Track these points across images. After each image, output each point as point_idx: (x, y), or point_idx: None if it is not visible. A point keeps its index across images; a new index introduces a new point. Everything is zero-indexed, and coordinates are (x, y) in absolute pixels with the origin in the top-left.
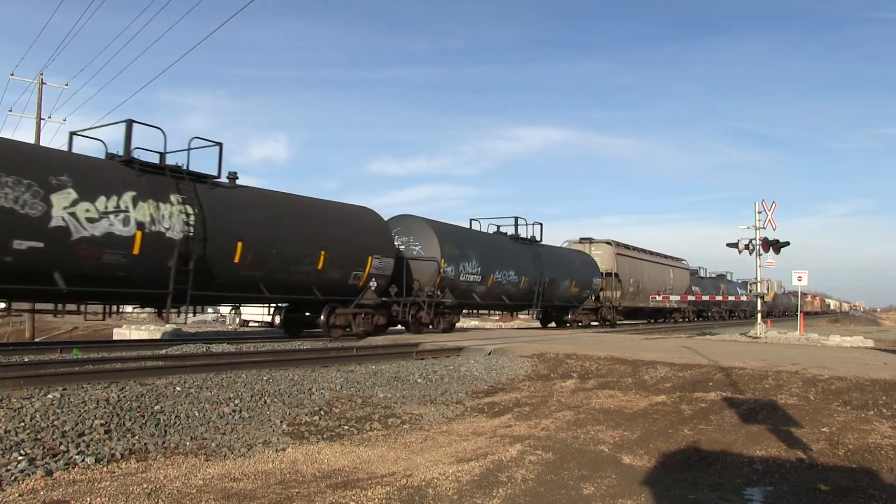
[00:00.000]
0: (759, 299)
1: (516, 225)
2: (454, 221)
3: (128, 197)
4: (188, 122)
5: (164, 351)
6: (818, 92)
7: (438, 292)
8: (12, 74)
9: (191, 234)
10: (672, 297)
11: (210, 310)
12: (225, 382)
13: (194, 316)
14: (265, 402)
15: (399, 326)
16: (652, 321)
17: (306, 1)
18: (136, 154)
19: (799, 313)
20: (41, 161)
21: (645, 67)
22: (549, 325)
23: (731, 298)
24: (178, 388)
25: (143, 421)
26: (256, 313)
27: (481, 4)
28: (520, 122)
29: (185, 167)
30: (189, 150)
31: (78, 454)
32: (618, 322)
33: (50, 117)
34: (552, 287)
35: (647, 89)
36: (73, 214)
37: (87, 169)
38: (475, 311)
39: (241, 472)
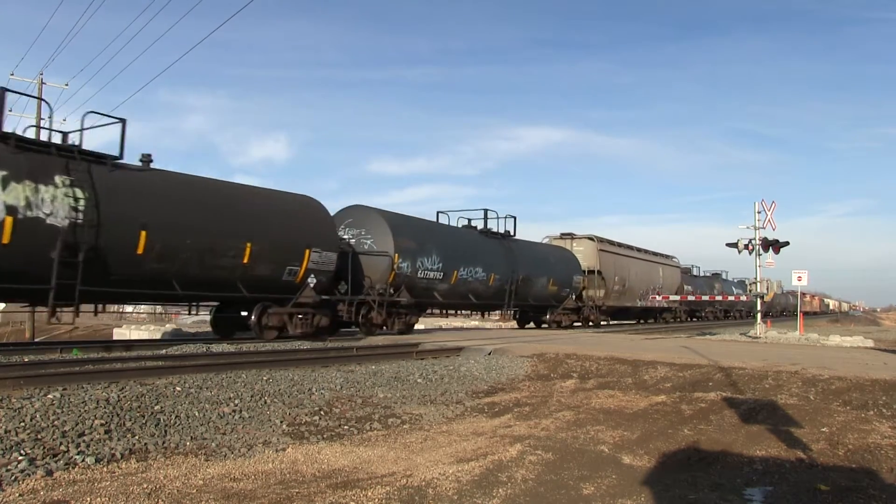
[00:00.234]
0: (758, 299)
1: (485, 218)
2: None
3: None
4: (188, 122)
5: (164, 351)
6: (818, 92)
7: (391, 290)
8: (12, 74)
9: (79, 220)
10: (660, 297)
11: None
12: (225, 382)
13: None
14: (265, 402)
15: (356, 328)
16: (642, 321)
17: (306, 1)
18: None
19: (798, 313)
20: None
21: (645, 67)
22: (528, 326)
23: (727, 298)
24: (178, 388)
25: (143, 421)
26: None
27: (481, 4)
28: (520, 122)
29: (78, 145)
30: (83, 129)
31: (78, 454)
32: (602, 323)
33: (50, 117)
34: (526, 285)
35: (647, 89)
36: None
37: None
38: (445, 311)
39: (241, 472)
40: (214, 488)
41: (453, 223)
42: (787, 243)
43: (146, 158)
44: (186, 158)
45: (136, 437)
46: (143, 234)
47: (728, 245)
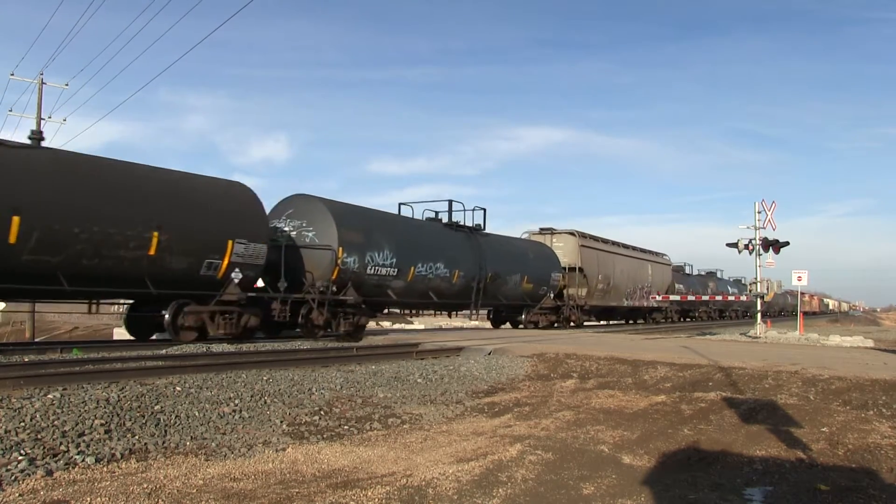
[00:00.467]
0: (758, 299)
1: (450, 210)
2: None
3: None
4: (189, 122)
5: (164, 351)
6: (818, 92)
7: (334, 288)
8: (12, 74)
9: None
10: (660, 297)
11: None
12: (225, 382)
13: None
14: (265, 402)
15: (299, 329)
16: (632, 322)
17: (306, 1)
18: None
19: (798, 313)
20: None
21: (645, 67)
22: (504, 327)
23: (722, 298)
24: (178, 388)
25: (143, 421)
26: None
27: (481, 4)
28: (520, 122)
29: None
30: None
31: (78, 454)
32: (585, 323)
33: (50, 117)
34: (497, 283)
35: (647, 89)
36: None
37: None
38: (417, 312)
39: (241, 472)
40: (214, 488)
41: (418, 215)
42: (787, 243)
43: (36, 135)
44: (187, 158)
45: (136, 437)
46: (16, 220)
47: (728, 245)
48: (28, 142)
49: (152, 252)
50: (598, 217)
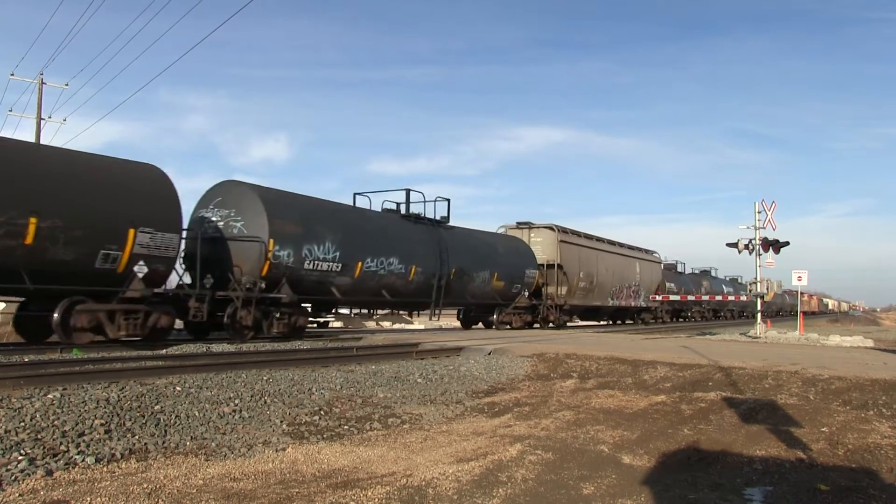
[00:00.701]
0: (758, 299)
1: (407, 202)
2: (456, 221)
3: None
4: (189, 122)
5: (164, 351)
6: (818, 92)
7: (262, 284)
8: (12, 74)
9: None
10: (639, 295)
11: None
12: (225, 382)
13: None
14: (265, 402)
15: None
16: (620, 322)
17: (306, 1)
18: None
19: (798, 313)
20: None
21: (645, 67)
22: (476, 327)
23: (718, 298)
24: (178, 388)
25: (143, 421)
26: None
27: (481, 4)
28: (520, 122)
29: None
30: None
31: (78, 454)
32: (569, 324)
33: (50, 117)
34: (462, 280)
35: (647, 89)
36: None
37: None
38: (372, 311)
39: (241, 472)
40: (214, 488)
41: (377, 207)
42: (787, 243)
43: None
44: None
45: (136, 437)
46: None
47: (728, 245)
48: None
49: (29, 241)
50: (598, 217)
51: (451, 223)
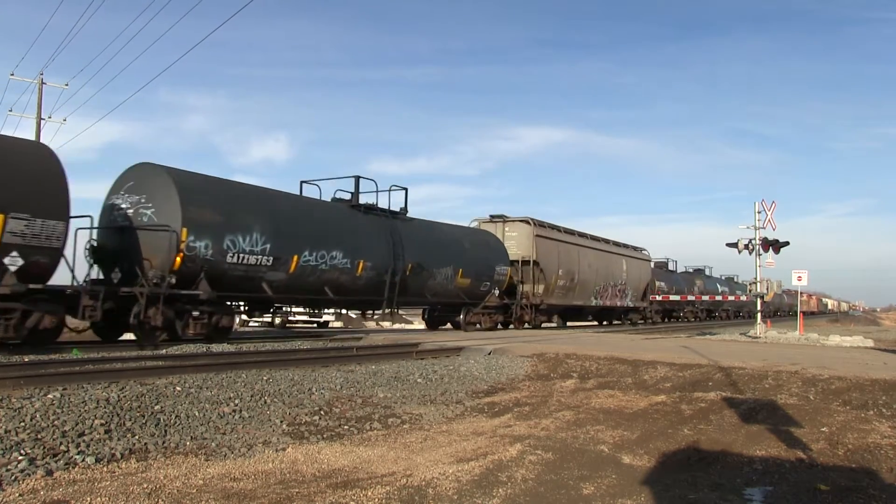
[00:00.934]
0: (758, 299)
1: (356, 190)
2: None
3: None
4: (189, 122)
5: (164, 351)
6: (818, 92)
7: (172, 279)
8: (12, 74)
9: None
10: (625, 294)
11: None
12: (225, 382)
13: None
14: (265, 402)
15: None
16: (606, 323)
17: (306, 1)
18: None
19: (798, 313)
20: None
21: (645, 67)
22: (444, 328)
23: (711, 297)
24: (178, 388)
25: (143, 421)
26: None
27: (481, 4)
28: (520, 122)
29: None
30: None
31: (78, 454)
32: (544, 326)
33: (50, 117)
34: (420, 276)
35: (647, 89)
36: None
37: None
38: (317, 310)
39: (241, 472)
40: (214, 488)
41: (328, 196)
42: (787, 243)
43: None
44: (187, 158)
45: (136, 437)
46: None
47: (728, 245)
48: None
49: None
50: (598, 217)
51: (412, 215)
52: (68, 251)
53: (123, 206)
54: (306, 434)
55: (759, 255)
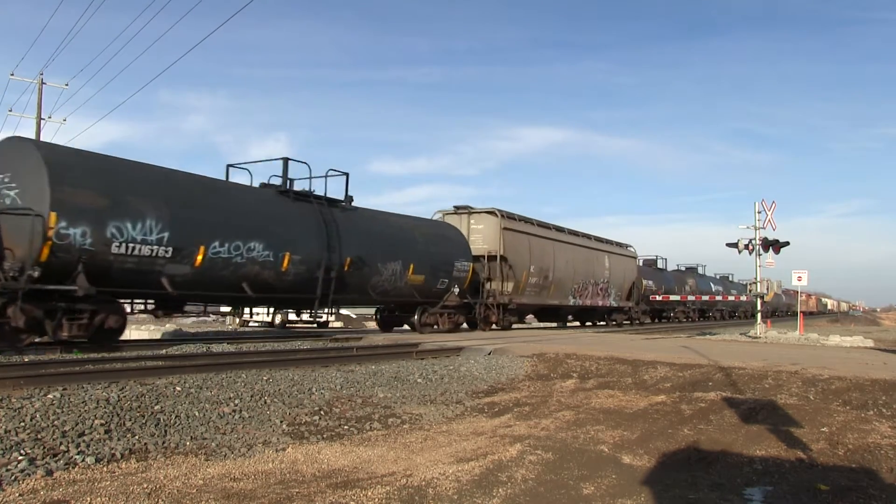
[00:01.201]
0: (758, 299)
1: (285, 174)
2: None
3: None
4: (189, 122)
5: (164, 351)
6: (818, 92)
7: (35, 272)
8: (12, 74)
9: None
10: (608, 294)
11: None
12: (225, 382)
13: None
14: (265, 402)
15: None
16: (590, 324)
17: (306, 1)
18: None
19: (798, 313)
20: None
21: (645, 67)
22: (399, 329)
23: (706, 297)
24: (178, 388)
25: (143, 421)
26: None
27: (481, 4)
28: (520, 122)
29: None
30: None
31: (78, 454)
32: (515, 326)
33: (50, 117)
34: (361, 273)
35: (648, 89)
36: None
37: None
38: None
39: (241, 472)
40: (214, 488)
41: (253, 182)
42: (787, 243)
43: None
44: (187, 158)
45: (136, 437)
46: None
47: (728, 245)
48: None
49: None
50: (598, 217)
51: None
52: None
53: None
54: (306, 434)
55: (759, 255)
